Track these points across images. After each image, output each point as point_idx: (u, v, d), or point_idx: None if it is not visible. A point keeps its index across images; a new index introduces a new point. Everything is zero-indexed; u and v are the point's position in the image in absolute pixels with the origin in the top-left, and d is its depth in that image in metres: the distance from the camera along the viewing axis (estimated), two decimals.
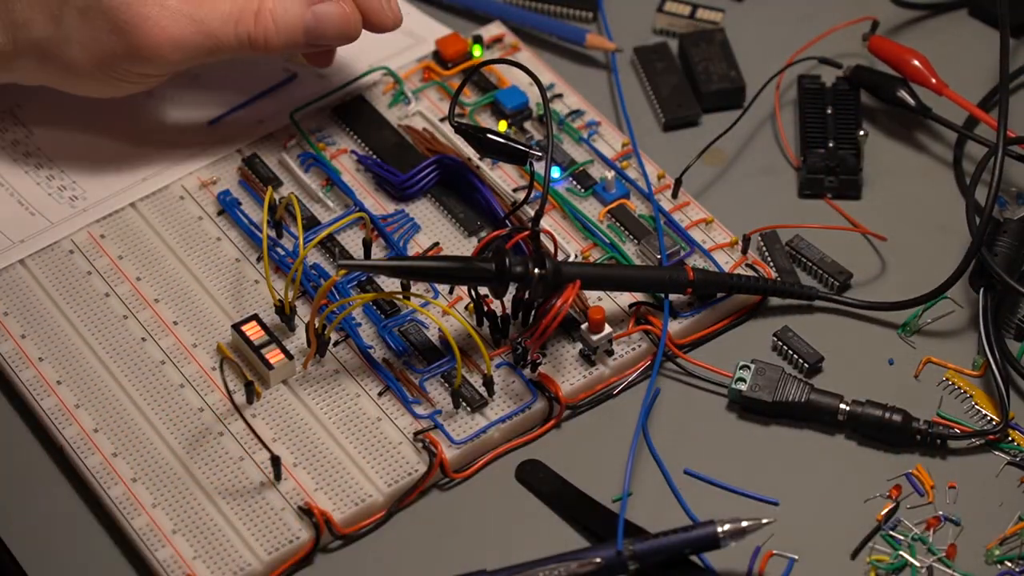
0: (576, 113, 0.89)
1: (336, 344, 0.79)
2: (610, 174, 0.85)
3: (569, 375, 0.78)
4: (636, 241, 0.83)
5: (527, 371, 0.78)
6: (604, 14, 0.95)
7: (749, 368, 0.78)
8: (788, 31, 0.94)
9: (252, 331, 0.78)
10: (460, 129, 0.81)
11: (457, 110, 0.88)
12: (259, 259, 0.82)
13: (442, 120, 0.88)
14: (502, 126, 0.88)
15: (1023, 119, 0.89)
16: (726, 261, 0.82)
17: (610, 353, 0.79)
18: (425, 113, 0.89)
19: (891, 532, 0.74)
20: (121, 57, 0.80)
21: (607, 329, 0.78)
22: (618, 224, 0.84)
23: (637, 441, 0.76)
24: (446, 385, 0.78)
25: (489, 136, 0.81)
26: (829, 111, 0.89)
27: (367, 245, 0.82)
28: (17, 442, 0.78)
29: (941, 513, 0.74)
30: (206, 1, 0.80)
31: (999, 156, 0.81)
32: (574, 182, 0.86)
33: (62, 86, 0.83)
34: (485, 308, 0.79)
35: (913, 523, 0.74)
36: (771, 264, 0.83)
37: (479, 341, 0.78)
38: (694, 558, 0.72)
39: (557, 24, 0.94)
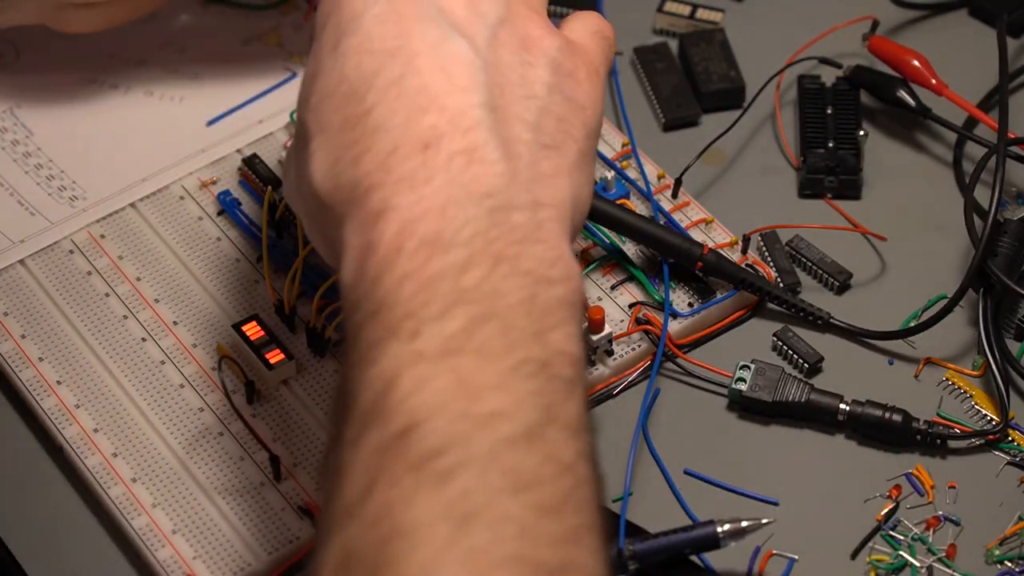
0: None
1: (336, 344, 0.79)
2: (610, 174, 0.85)
3: None
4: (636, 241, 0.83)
5: None
6: (604, 14, 0.95)
7: (749, 368, 0.78)
8: (788, 31, 0.94)
9: (252, 331, 0.78)
10: None
11: None
12: (259, 259, 0.82)
13: None
14: None
15: (1022, 119, 0.89)
16: None
17: (610, 353, 0.79)
18: None
19: (891, 532, 0.74)
20: None
21: (607, 329, 0.78)
22: None
23: (637, 441, 0.76)
24: None
25: None
26: (829, 111, 0.89)
27: None
28: (17, 442, 0.78)
29: (941, 513, 0.74)
30: None
31: (1000, 158, 0.81)
32: None
33: (58, 15, 0.82)
34: None
35: (913, 523, 0.74)
36: (771, 264, 0.83)
37: None
38: (694, 558, 0.72)
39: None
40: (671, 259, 0.81)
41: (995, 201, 0.79)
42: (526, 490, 0.55)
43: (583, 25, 0.71)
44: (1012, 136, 0.84)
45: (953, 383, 0.79)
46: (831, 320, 0.80)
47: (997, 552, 0.73)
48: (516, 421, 0.56)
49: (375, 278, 0.59)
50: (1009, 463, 0.76)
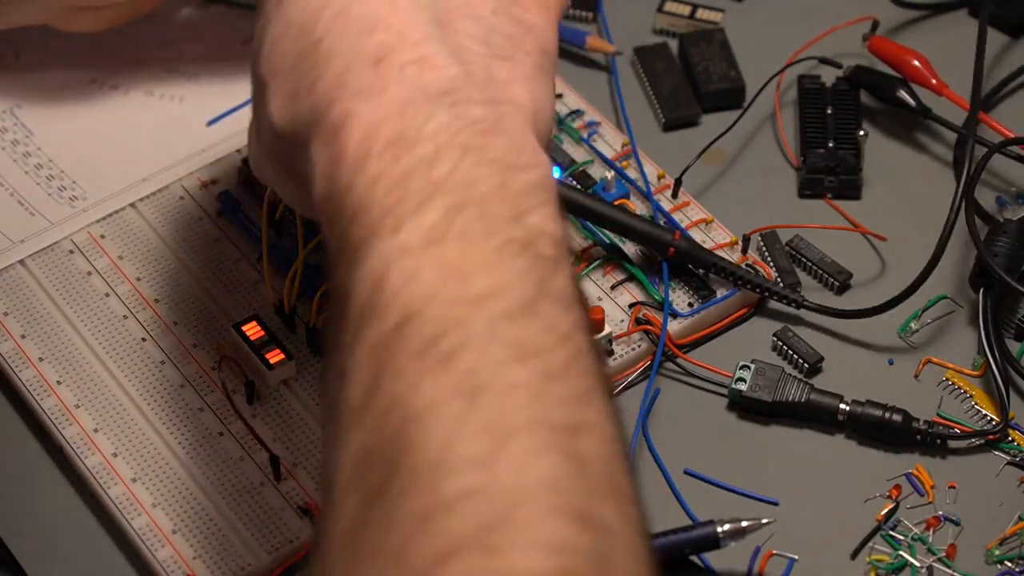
0: (576, 113, 0.89)
1: None
2: (610, 174, 0.85)
3: None
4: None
5: None
6: (604, 14, 0.95)
7: (749, 368, 0.78)
8: (788, 31, 0.94)
9: (252, 331, 0.78)
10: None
11: None
12: (259, 259, 0.82)
13: None
14: None
15: (1022, 119, 0.89)
16: None
17: (610, 353, 0.79)
18: None
19: (891, 532, 0.74)
20: None
21: (607, 329, 0.78)
22: None
23: (637, 441, 0.77)
24: None
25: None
26: (829, 111, 0.89)
27: None
28: (17, 442, 0.78)
29: (941, 513, 0.74)
30: None
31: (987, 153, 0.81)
32: (574, 182, 0.86)
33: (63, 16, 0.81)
34: None
35: (913, 523, 0.74)
36: (771, 264, 0.83)
37: None
38: (694, 558, 0.72)
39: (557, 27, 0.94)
40: (641, 247, 0.81)
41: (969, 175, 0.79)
42: (530, 359, 0.55)
43: None
44: (1012, 136, 0.84)
45: (953, 383, 0.79)
46: (805, 303, 0.80)
47: (997, 552, 0.73)
48: (509, 298, 0.57)
49: (347, 186, 0.60)
50: (1009, 463, 0.76)
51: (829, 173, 0.86)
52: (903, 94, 0.88)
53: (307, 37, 0.63)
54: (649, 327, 0.80)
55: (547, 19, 0.68)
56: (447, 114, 0.60)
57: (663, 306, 0.80)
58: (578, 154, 0.87)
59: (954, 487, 0.75)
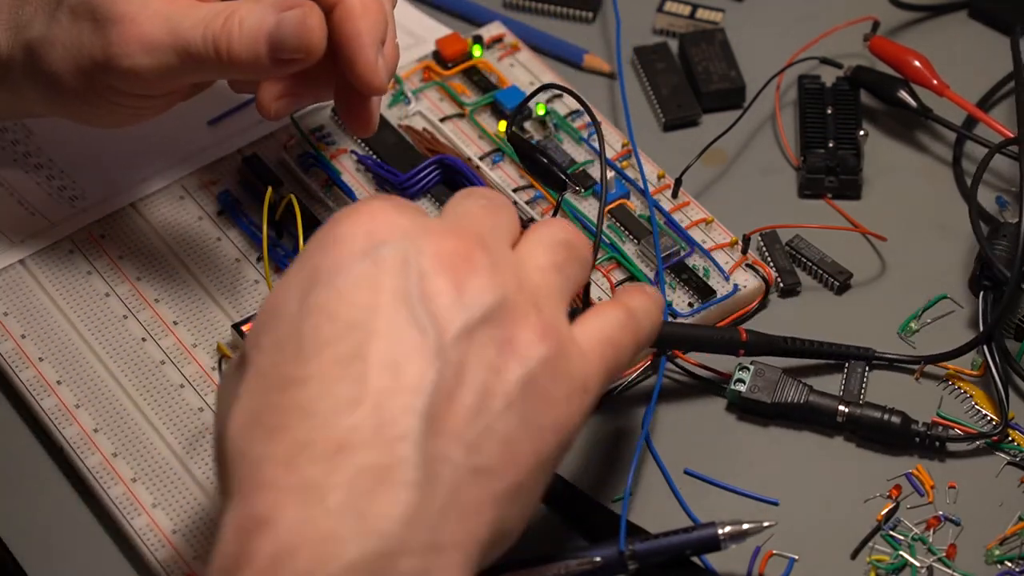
0: (576, 113, 0.89)
1: None
2: (610, 174, 0.85)
3: None
4: (636, 241, 0.83)
5: None
6: (605, 14, 0.95)
7: (748, 369, 0.78)
8: (788, 31, 0.94)
9: None
10: (513, 138, 0.82)
11: (455, 110, 0.89)
12: (259, 259, 0.82)
13: (442, 120, 0.88)
14: (502, 126, 0.88)
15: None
16: (726, 261, 0.82)
17: None
18: (425, 113, 0.89)
19: (891, 532, 0.74)
20: (98, 62, 0.75)
21: None
22: (618, 224, 0.84)
23: (640, 441, 0.76)
24: None
25: (537, 156, 0.81)
26: (829, 111, 0.89)
27: None
28: (17, 442, 0.78)
29: (941, 513, 0.74)
30: (186, 6, 0.75)
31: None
32: (577, 186, 0.86)
33: (55, 107, 0.79)
34: None
35: (913, 523, 0.74)
36: (771, 264, 0.83)
37: None
38: (694, 558, 0.72)
39: (556, 42, 0.94)
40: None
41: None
42: None
43: (602, 326, 0.66)
44: (1012, 136, 0.84)
45: (953, 383, 0.79)
46: (876, 357, 0.79)
47: (997, 552, 0.73)
48: None
49: None
50: (1009, 463, 0.76)
51: (829, 173, 0.87)
52: (904, 94, 0.88)
53: (300, 365, 0.59)
54: None
55: (575, 411, 0.62)
56: (363, 570, 0.55)
57: None
58: (578, 154, 0.87)
59: (954, 487, 0.75)
